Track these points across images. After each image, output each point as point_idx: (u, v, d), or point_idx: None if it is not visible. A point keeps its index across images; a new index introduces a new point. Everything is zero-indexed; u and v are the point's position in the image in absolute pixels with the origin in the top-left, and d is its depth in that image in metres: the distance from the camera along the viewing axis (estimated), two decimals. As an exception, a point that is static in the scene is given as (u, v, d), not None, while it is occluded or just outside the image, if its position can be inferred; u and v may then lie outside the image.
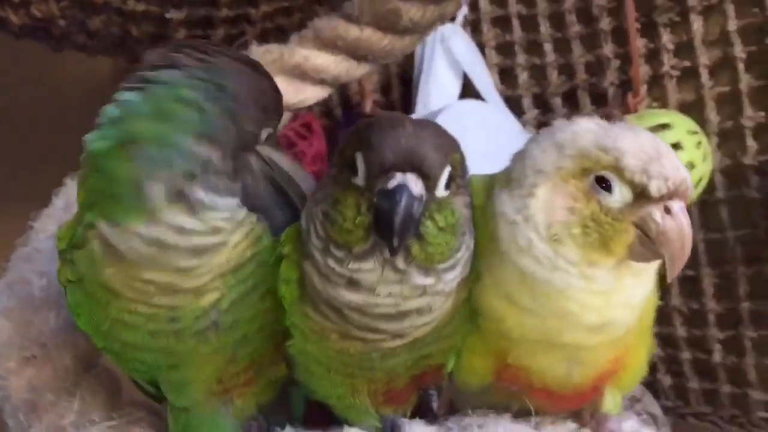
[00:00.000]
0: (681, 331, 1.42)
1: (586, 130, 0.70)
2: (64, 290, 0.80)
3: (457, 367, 0.78)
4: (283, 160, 0.81)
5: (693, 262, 1.34)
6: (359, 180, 0.70)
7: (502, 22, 1.50)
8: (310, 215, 0.74)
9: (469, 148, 1.36)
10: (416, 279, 0.70)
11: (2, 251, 1.06)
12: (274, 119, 0.81)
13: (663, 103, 1.37)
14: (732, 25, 1.31)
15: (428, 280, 0.70)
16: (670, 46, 1.36)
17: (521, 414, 0.80)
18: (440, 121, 1.32)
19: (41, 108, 1.80)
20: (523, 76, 1.47)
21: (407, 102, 1.52)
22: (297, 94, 1.22)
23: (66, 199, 1.12)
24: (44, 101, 1.82)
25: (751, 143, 1.32)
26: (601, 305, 0.70)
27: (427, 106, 1.44)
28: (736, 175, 1.34)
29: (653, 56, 1.37)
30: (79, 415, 0.86)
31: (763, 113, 1.31)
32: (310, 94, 1.22)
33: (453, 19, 1.46)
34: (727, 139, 1.34)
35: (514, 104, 1.47)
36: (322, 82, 1.22)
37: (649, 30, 1.38)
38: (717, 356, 1.41)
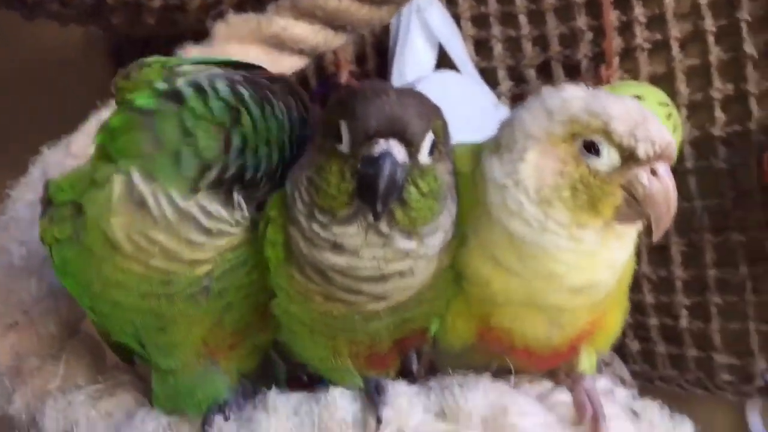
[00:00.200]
0: (649, 298, 1.46)
1: (574, 96, 0.72)
2: (48, 252, 0.80)
3: (440, 329, 0.80)
4: None
5: (662, 230, 1.38)
6: (343, 147, 0.71)
7: (477, -6, 1.51)
8: (295, 181, 0.75)
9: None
10: (399, 243, 0.72)
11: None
12: None
13: (635, 75, 1.39)
14: (703, -2, 1.33)
15: (411, 244, 0.72)
16: (642, 19, 1.39)
17: (499, 372, 0.82)
18: (417, 91, 1.34)
19: (14, 77, 1.77)
20: (497, 48, 1.48)
21: (383, 73, 1.53)
22: (274, 64, 1.22)
23: (43, 168, 1.12)
24: (17, 70, 1.79)
25: (720, 115, 1.36)
26: (587, 266, 0.72)
27: (402, 76, 1.45)
28: (705, 146, 1.38)
29: (626, 29, 1.40)
30: (65, 380, 0.87)
31: (731, 85, 1.34)
32: (288, 64, 1.23)
33: (429, -10, 1.46)
34: (697, 111, 1.37)
35: (488, 76, 1.48)
36: (299, 52, 1.22)
37: (622, 2, 1.40)
38: (683, 322, 1.45)
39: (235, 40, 1.21)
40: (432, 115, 0.73)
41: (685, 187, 1.38)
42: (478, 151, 0.77)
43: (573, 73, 1.44)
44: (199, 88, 0.76)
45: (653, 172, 0.70)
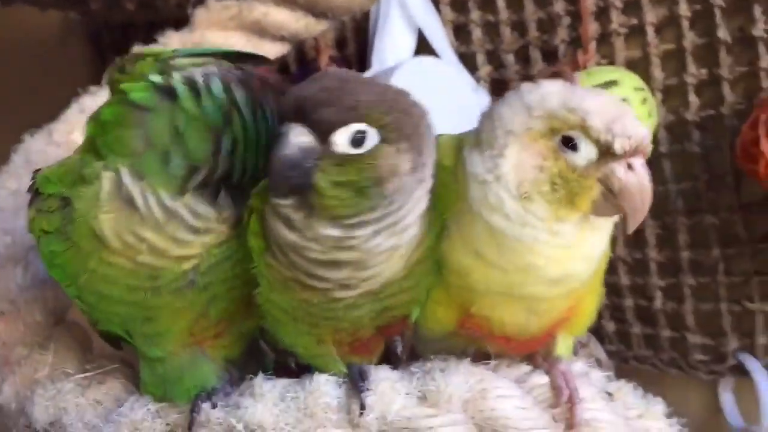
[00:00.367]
0: (624, 280, 1.49)
1: (552, 92, 0.73)
2: (36, 242, 0.81)
3: (421, 316, 0.81)
4: None
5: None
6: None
7: (456, -21, 1.52)
8: None
9: (425, 102, 1.39)
10: (320, 228, 0.73)
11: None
12: None
13: (611, 60, 1.41)
14: (678, -17, 1.35)
15: (333, 232, 0.73)
16: (619, 4, 1.40)
17: (478, 355, 0.84)
18: (396, 77, 1.35)
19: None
20: (476, 33, 1.49)
21: (363, 57, 1.53)
22: (256, 50, 1.22)
23: (26, 156, 1.12)
24: (-5, 57, 1.78)
25: (694, 99, 1.38)
26: (564, 259, 0.74)
27: (382, 61, 1.45)
28: (679, 130, 1.40)
29: (602, 13, 1.41)
30: (53, 368, 0.88)
31: (705, 70, 1.36)
32: (269, 51, 1.23)
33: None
34: (671, 96, 1.39)
35: (467, 60, 1.49)
36: (280, 38, 1.23)
37: (599, -13, 1.41)
38: (658, 303, 1.48)
39: (216, 27, 1.22)
40: (368, 105, 0.72)
41: (660, 170, 1.41)
42: (459, 145, 0.78)
43: (550, 58, 1.45)
44: (193, 86, 0.77)
45: (629, 166, 0.72)
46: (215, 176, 0.77)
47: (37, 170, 0.84)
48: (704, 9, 1.34)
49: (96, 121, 0.80)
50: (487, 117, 0.77)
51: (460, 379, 0.78)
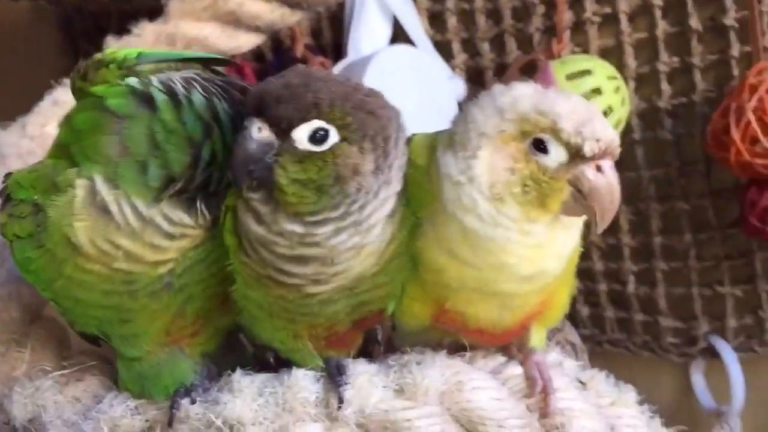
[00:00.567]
0: (598, 265, 1.51)
1: (524, 94, 0.74)
2: (9, 246, 0.81)
3: (397, 311, 0.82)
4: None
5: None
6: None
7: (431, -33, 1.51)
8: None
9: (400, 92, 1.39)
10: (283, 224, 0.74)
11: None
12: None
13: (585, 49, 1.42)
14: (650, -28, 1.36)
15: (296, 228, 0.74)
16: (593, -7, 1.41)
17: (453, 346, 0.86)
18: (372, 66, 1.35)
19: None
20: (451, 21, 1.49)
21: (338, 46, 1.53)
22: (231, 41, 1.22)
23: (-2, 150, 1.11)
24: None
25: (666, 87, 1.40)
26: (536, 257, 0.75)
27: (358, 50, 1.45)
28: (651, 117, 1.42)
29: (576, 2, 1.41)
30: (31, 366, 0.88)
31: (677, 58, 1.38)
32: (245, 41, 1.23)
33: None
34: (644, 84, 1.41)
35: (443, 49, 1.49)
36: (256, 29, 1.23)
37: (573, -24, 1.42)
38: (631, 287, 1.51)
39: (190, 17, 1.21)
40: (328, 103, 0.72)
41: (632, 157, 1.43)
42: (432, 145, 0.79)
43: (525, 47, 1.46)
44: (172, 95, 0.77)
45: (598, 168, 0.73)
46: (192, 186, 0.77)
47: (8, 174, 0.83)
48: (677, -2, 1.36)
49: (69, 127, 0.79)
50: (460, 119, 0.77)
51: (436, 371, 0.79)
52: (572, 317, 1.53)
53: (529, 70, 1.42)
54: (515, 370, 0.83)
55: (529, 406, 0.82)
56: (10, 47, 1.72)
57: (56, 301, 0.82)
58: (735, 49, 1.34)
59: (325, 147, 0.72)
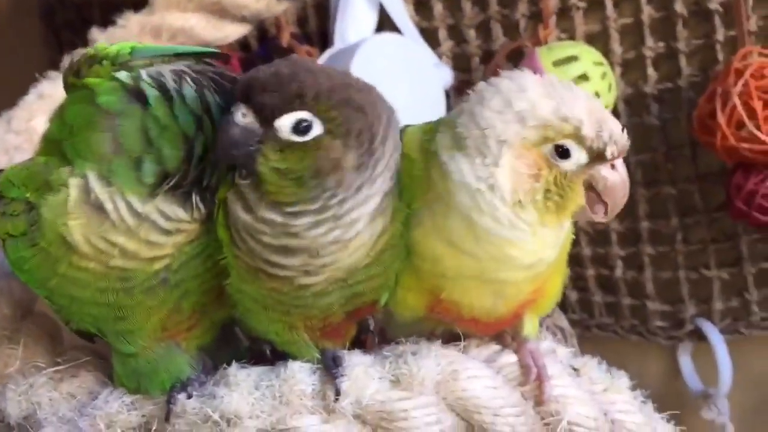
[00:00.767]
0: (587, 251, 1.52)
1: (540, 96, 0.74)
2: (1, 245, 0.80)
3: (392, 302, 0.83)
4: None
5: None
6: None
7: (417, -46, 1.51)
8: None
9: (387, 80, 1.38)
10: (263, 211, 0.74)
11: None
12: None
13: (571, 35, 1.42)
14: (636, -43, 1.35)
15: (274, 216, 0.74)
16: (578, -22, 1.41)
17: (446, 335, 0.86)
18: (359, 54, 1.34)
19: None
20: (437, 8, 1.48)
21: (324, 33, 1.52)
22: (217, 31, 1.22)
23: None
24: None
25: (652, 72, 1.40)
26: (538, 248, 0.77)
27: (344, 38, 1.44)
28: (638, 102, 1.42)
29: (562, -12, 1.42)
30: (24, 363, 0.87)
31: (662, 44, 1.38)
32: (231, 31, 1.23)
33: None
34: (630, 69, 1.41)
35: (429, 36, 1.48)
36: (242, 18, 1.22)
37: (559, -38, 1.42)
38: (618, 272, 1.52)
39: (175, 8, 1.20)
40: (314, 94, 0.72)
41: (620, 143, 1.43)
42: (427, 137, 0.78)
43: (512, 33, 1.45)
44: (163, 90, 0.76)
45: (612, 165, 0.75)
46: (186, 181, 0.77)
47: None
48: (662, -18, 1.36)
49: (61, 121, 0.78)
50: (468, 120, 0.76)
51: (431, 361, 0.80)
52: (561, 302, 1.50)
53: (516, 57, 1.42)
54: (509, 358, 0.84)
55: (523, 393, 0.83)
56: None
57: (50, 299, 0.82)
58: (720, 34, 1.34)
59: (307, 138, 0.72)
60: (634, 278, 1.51)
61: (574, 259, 1.52)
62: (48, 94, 1.13)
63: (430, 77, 1.44)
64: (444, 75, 1.47)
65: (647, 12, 1.38)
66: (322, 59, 1.42)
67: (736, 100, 1.21)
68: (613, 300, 1.55)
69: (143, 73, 0.77)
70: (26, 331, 0.91)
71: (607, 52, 1.38)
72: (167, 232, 0.77)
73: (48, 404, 0.84)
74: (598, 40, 1.40)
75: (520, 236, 0.75)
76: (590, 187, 0.76)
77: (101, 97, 0.76)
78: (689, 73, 1.38)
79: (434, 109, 1.42)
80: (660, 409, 0.91)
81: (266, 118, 0.72)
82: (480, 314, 0.80)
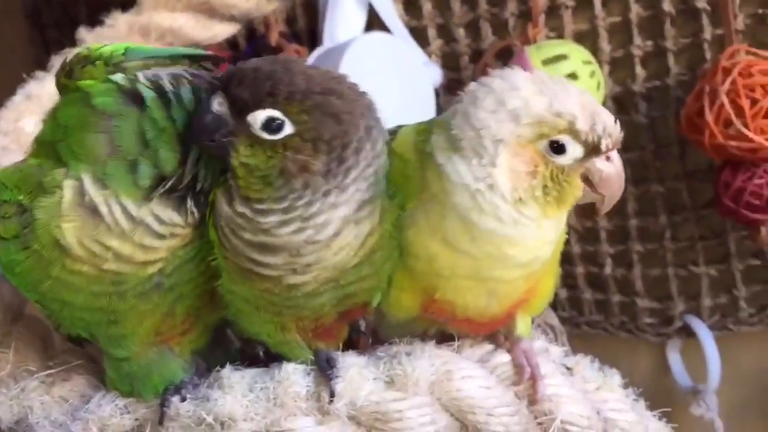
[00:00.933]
0: (576, 248, 1.53)
1: (533, 92, 0.74)
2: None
3: (385, 303, 0.82)
4: None
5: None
6: None
7: (406, -48, 1.50)
8: None
9: (377, 79, 1.38)
10: (237, 205, 0.75)
11: None
12: None
13: (559, 33, 1.42)
14: (624, -44, 1.36)
15: (244, 210, 0.74)
16: (567, -23, 1.42)
17: (440, 336, 0.86)
18: (348, 53, 1.34)
19: None
20: (426, 7, 1.49)
21: (313, 32, 1.52)
22: (206, 30, 1.21)
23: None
24: None
25: (640, 71, 1.41)
26: (536, 246, 0.77)
27: (333, 37, 1.44)
28: (626, 101, 1.43)
29: (551, -14, 1.42)
30: (15, 367, 0.86)
31: (651, 42, 1.39)
32: (220, 31, 1.22)
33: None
34: (618, 67, 1.42)
35: (418, 35, 1.49)
36: (231, 18, 1.22)
37: (547, -39, 1.42)
38: (608, 269, 1.53)
39: (164, 8, 1.19)
40: (287, 97, 0.72)
41: (608, 141, 1.44)
42: (421, 138, 0.78)
43: (501, 32, 1.46)
44: (160, 91, 0.76)
45: (607, 158, 0.76)
46: (182, 184, 0.76)
47: None
48: (650, -19, 1.37)
49: (55, 122, 0.77)
50: (462, 121, 0.76)
51: (425, 362, 0.80)
52: (551, 300, 1.54)
53: (505, 55, 1.43)
54: (503, 358, 0.84)
55: (517, 393, 0.83)
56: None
57: (42, 303, 0.81)
58: (707, 33, 1.35)
59: (278, 137, 0.73)
60: (624, 275, 1.52)
61: (564, 257, 1.50)
62: (36, 94, 1.12)
63: (420, 76, 1.44)
64: (433, 74, 1.48)
65: (635, 11, 1.39)
66: (311, 58, 1.41)
67: (724, 99, 1.22)
68: (602, 297, 1.56)
69: (140, 75, 0.77)
70: (17, 335, 0.90)
71: (595, 51, 1.39)
72: (161, 236, 0.77)
73: (40, 408, 0.83)
74: (587, 39, 1.41)
75: (523, 232, 0.75)
76: (587, 180, 0.77)
77: (97, 99, 0.75)
78: (677, 71, 1.39)
79: (424, 107, 1.42)
80: (649, 405, 0.91)
81: (239, 110, 0.73)
82: (474, 314, 0.80)
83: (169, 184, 0.75)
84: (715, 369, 1.47)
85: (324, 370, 0.79)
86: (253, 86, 0.72)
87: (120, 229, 0.75)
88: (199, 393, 0.80)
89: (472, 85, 0.78)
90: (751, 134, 1.22)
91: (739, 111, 1.22)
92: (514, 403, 0.82)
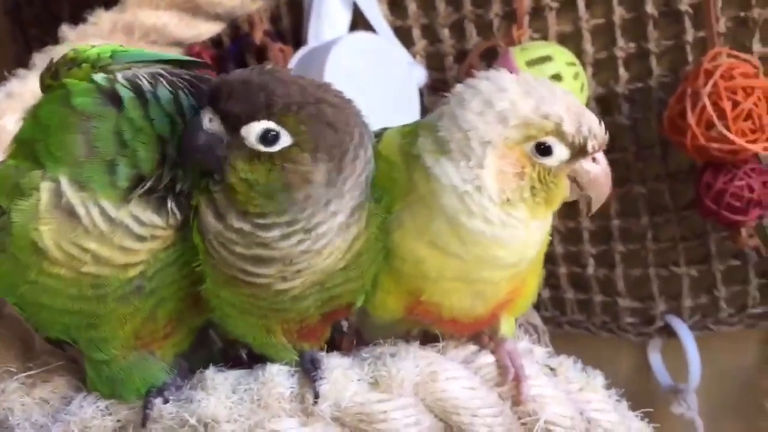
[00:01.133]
0: (559, 248, 1.53)
1: (519, 94, 0.74)
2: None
3: (370, 305, 0.82)
4: None
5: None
6: None
7: (390, -47, 1.50)
8: None
9: (361, 79, 1.38)
10: (233, 220, 0.74)
11: None
12: None
13: (544, 35, 1.43)
14: (608, -41, 1.37)
15: (243, 225, 0.73)
16: (551, -21, 1.42)
17: (422, 335, 0.87)
18: (333, 53, 1.34)
19: None
20: (411, 7, 1.49)
21: (298, 31, 1.52)
22: (190, 29, 1.20)
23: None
24: None
25: (623, 72, 1.42)
26: (523, 247, 0.77)
27: (318, 36, 1.44)
28: (609, 102, 1.44)
29: (535, -12, 1.43)
30: (-5, 368, 0.85)
31: (633, 44, 1.40)
32: (204, 29, 1.21)
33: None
34: (601, 69, 1.43)
35: (403, 35, 1.49)
36: (216, 16, 1.21)
37: (532, -38, 1.43)
38: (590, 269, 1.54)
39: (148, 6, 1.19)
40: (282, 107, 0.71)
41: (591, 142, 1.44)
42: (407, 140, 0.78)
43: (485, 33, 1.46)
44: (138, 91, 0.75)
45: (593, 159, 0.76)
46: (161, 185, 0.75)
47: None
48: (633, -17, 1.38)
49: (35, 120, 0.76)
50: (450, 123, 0.76)
51: (410, 363, 0.80)
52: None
53: (489, 56, 1.43)
54: (487, 359, 0.84)
55: (501, 394, 0.83)
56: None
57: (20, 306, 0.80)
58: (690, 35, 1.36)
59: (274, 149, 0.71)
60: (606, 276, 1.53)
61: (547, 257, 1.49)
62: (17, 92, 1.10)
63: (404, 76, 1.45)
64: (418, 74, 1.48)
65: (619, 13, 1.39)
66: (296, 57, 1.41)
67: (706, 101, 1.23)
68: (584, 297, 1.57)
69: (119, 75, 0.76)
70: (-4, 336, 0.89)
71: (579, 53, 1.39)
72: (142, 238, 0.75)
73: (20, 410, 0.82)
74: (571, 41, 1.42)
75: (511, 233, 0.75)
76: (573, 181, 0.77)
77: (76, 99, 0.74)
78: (659, 73, 1.40)
79: (408, 107, 1.42)
80: (631, 404, 0.92)
81: (232, 125, 0.71)
82: (459, 315, 0.81)
83: (148, 184, 0.74)
84: (696, 368, 1.48)
85: (308, 371, 0.79)
86: (245, 99, 0.71)
87: (98, 231, 0.73)
88: (182, 394, 0.80)
89: (459, 87, 0.78)
90: (732, 136, 1.23)
91: (721, 113, 1.23)
92: (498, 404, 0.82)
